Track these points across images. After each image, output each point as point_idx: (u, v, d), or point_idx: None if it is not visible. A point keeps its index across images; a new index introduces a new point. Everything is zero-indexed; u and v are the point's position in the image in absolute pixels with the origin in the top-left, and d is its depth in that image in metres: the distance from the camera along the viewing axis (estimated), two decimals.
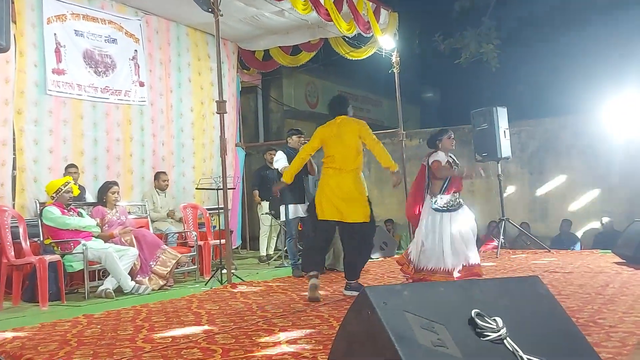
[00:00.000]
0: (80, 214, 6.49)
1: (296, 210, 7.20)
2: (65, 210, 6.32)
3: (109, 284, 6.18)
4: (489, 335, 2.35)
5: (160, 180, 8.41)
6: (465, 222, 5.80)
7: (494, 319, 2.39)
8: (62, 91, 7.70)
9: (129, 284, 6.23)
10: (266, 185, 9.32)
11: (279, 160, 7.30)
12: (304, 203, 7.21)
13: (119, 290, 6.24)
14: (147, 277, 6.51)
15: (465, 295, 2.54)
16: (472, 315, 2.39)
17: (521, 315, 2.53)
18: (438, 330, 2.31)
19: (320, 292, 5.37)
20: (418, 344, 2.23)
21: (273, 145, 10.42)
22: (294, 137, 7.52)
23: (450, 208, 5.80)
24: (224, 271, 6.69)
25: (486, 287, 2.65)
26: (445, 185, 5.83)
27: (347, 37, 9.53)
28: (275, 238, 9.51)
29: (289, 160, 7.02)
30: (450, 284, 2.73)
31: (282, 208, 7.29)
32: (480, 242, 10.36)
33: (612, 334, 3.59)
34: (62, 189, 6.32)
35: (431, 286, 2.63)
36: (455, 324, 2.37)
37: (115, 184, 7.09)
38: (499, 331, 2.35)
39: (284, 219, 7.31)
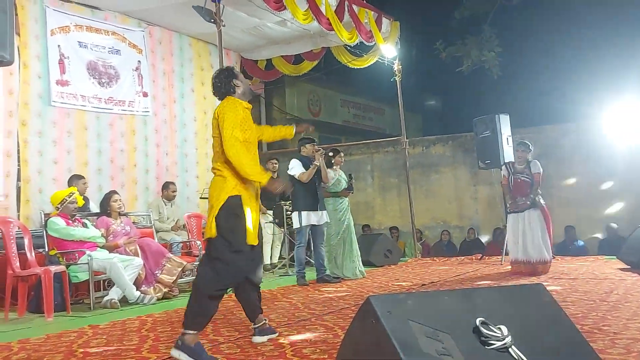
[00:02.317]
0: (85, 225, 6.51)
1: (309, 218, 7.21)
2: (70, 221, 6.34)
3: (114, 294, 6.19)
4: (494, 344, 2.35)
5: (169, 191, 8.40)
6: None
7: (499, 327, 2.39)
8: (66, 102, 7.75)
9: (134, 294, 6.24)
10: (268, 194, 9.34)
11: (294, 168, 7.28)
12: (317, 210, 7.23)
13: (124, 301, 6.25)
14: (152, 287, 6.52)
15: (470, 303, 2.54)
16: (477, 323, 2.39)
17: (526, 323, 2.53)
18: (443, 338, 2.32)
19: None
20: (423, 352, 2.24)
21: (276, 154, 10.53)
22: (308, 145, 7.47)
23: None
24: None
25: (491, 296, 2.66)
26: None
27: (349, 46, 9.59)
28: (280, 247, 9.52)
29: (304, 168, 7.12)
30: (454, 292, 2.73)
31: (294, 215, 7.31)
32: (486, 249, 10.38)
33: (617, 340, 3.59)
34: (66, 200, 6.34)
35: (435, 295, 2.64)
36: (460, 333, 2.38)
37: (116, 192, 7.12)
38: (504, 339, 2.36)
39: (297, 226, 7.30)
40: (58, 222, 6.23)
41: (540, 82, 14.54)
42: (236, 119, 4.02)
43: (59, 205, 6.35)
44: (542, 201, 7.22)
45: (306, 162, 7.24)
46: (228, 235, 3.76)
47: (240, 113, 4.08)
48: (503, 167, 7.65)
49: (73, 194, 6.45)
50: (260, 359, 3.60)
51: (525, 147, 7.43)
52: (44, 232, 6.41)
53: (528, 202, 7.17)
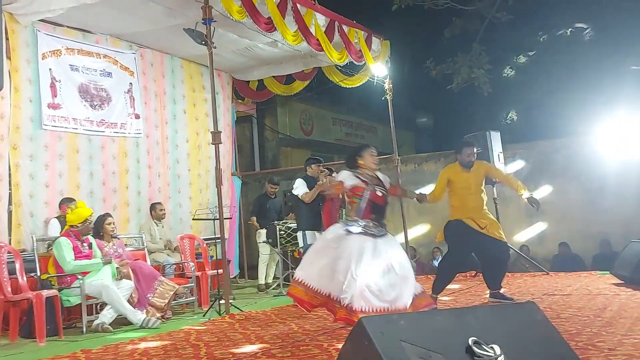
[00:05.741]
0: (90, 245, 6.49)
1: (313, 237, 7.22)
2: (77, 242, 6.31)
3: (105, 318, 6.13)
4: None
5: (157, 211, 8.41)
6: None
7: (492, 347, 2.39)
8: (57, 125, 7.73)
9: (138, 317, 6.17)
10: (265, 214, 9.41)
11: (298, 187, 7.36)
12: (320, 231, 7.23)
13: (116, 323, 6.20)
14: (145, 310, 6.47)
15: (462, 323, 2.54)
16: (470, 343, 2.39)
17: (518, 341, 2.53)
18: (435, 359, 2.32)
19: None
20: None
21: (269, 174, 10.58)
22: (313, 165, 7.55)
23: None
24: (222, 301, 6.67)
25: (483, 315, 2.66)
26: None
27: (339, 65, 9.63)
28: (274, 266, 9.49)
29: (309, 188, 7.20)
30: (446, 312, 2.73)
31: (299, 234, 7.34)
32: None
33: (611, 357, 3.58)
34: (88, 220, 6.39)
35: (428, 315, 2.63)
36: (453, 353, 2.37)
37: (110, 215, 7.10)
38: (496, 359, 2.36)
39: (302, 245, 7.32)
40: (63, 246, 6.18)
41: (531, 98, 14.61)
42: None
43: (79, 224, 6.33)
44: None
45: (311, 182, 7.31)
46: None
47: None
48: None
49: (92, 214, 6.49)
50: None
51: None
52: (35, 255, 6.39)
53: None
